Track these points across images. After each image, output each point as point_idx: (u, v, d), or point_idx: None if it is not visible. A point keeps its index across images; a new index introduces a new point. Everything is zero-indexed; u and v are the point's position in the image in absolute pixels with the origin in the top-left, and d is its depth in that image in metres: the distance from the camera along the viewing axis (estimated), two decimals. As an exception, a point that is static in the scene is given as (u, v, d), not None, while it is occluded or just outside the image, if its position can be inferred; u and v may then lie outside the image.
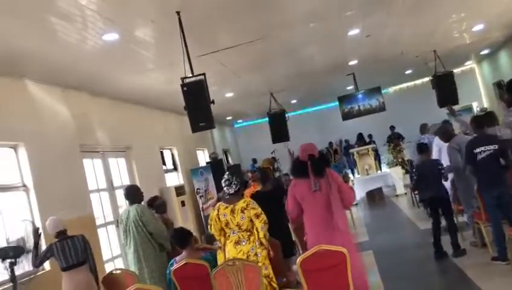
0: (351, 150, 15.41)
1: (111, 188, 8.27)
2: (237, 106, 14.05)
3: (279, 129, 11.58)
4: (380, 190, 13.35)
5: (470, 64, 17.03)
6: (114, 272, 5.16)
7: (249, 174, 6.06)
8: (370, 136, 17.16)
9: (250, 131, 18.47)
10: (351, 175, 16.06)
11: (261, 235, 4.46)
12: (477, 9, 8.79)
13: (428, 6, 7.79)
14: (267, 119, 11.80)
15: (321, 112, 18.24)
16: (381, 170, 15.84)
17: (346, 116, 13.55)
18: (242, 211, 4.49)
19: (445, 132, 6.40)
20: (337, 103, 13.75)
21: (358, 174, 14.55)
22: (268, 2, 5.98)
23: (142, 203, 5.81)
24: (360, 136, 17.01)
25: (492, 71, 15.97)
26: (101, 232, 7.46)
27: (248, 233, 4.50)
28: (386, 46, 10.10)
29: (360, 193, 13.43)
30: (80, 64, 6.46)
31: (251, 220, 4.48)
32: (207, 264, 4.48)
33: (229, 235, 4.55)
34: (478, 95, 17.23)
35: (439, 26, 9.63)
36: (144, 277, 5.39)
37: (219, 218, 4.54)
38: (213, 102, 5.29)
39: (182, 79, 5.44)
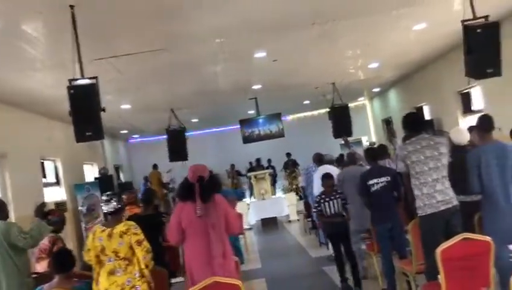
0: (249, 174, 15.37)
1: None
2: (134, 120, 13.30)
3: (177, 147, 11.10)
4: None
5: (362, 100, 18.11)
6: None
7: (124, 196, 5.33)
8: (269, 160, 17.33)
9: (147, 148, 17.65)
10: (247, 199, 15.99)
11: (143, 265, 3.92)
12: (374, 48, 9.26)
13: (329, 40, 7.99)
14: (165, 136, 11.27)
15: (222, 133, 18.08)
16: (275, 195, 15.97)
17: (247, 139, 13.51)
18: (121, 236, 3.92)
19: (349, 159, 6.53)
20: (238, 125, 13.66)
21: (255, 198, 14.50)
22: (173, 11, 5.62)
23: (8, 219, 4.97)
24: (258, 161, 17.07)
25: (382, 108, 17.11)
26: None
27: (126, 262, 3.93)
28: (290, 73, 10.23)
29: (254, 217, 13.35)
30: None
31: (131, 247, 3.94)
32: (77, 297, 3.86)
33: (104, 264, 3.96)
34: (368, 130, 18.31)
35: (338, 60, 9.99)
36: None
37: (95, 243, 3.96)
38: (103, 110, 4.72)
39: (70, 81, 4.81)
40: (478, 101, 10.43)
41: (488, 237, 3.39)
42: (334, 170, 7.37)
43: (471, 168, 4.18)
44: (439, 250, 3.29)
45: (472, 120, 10.60)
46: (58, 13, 4.79)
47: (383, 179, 5.16)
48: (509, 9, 7.29)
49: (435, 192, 4.10)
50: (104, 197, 4.09)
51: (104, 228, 3.99)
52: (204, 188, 3.84)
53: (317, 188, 7.37)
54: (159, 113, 11.32)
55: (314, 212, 5.83)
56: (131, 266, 3.93)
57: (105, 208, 4.06)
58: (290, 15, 6.38)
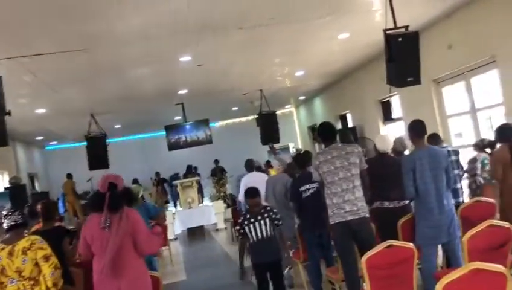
0: (174, 182, 14.94)
1: None
2: (51, 125, 12.47)
3: (98, 155, 10.49)
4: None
5: (289, 107, 18.39)
6: None
7: (39, 206, 4.84)
8: (195, 168, 16.98)
9: (65, 155, 16.64)
10: (172, 208, 15.56)
11: (50, 283, 3.49)
12: (300, 56, 9.36)
13: (257, 46, 7.96)
14: (85, 143, 10.61)
15: (146, 140, 17.49)
16: (203, 203, 15.68)
17: (173, 146, 13.11)
18: (24, 253, 3.48)
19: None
20: (164, 132, 13.24)
21: (181, 207, 14.10)
22: (94, 10, 5.26)
23: None
24: (189, 168, 16.62)
25: (308, 116, 17.47)
26: None
27: (31, 282, 3.49)
28: (217, 79, 10.07)
29: (180, 227, 12.95)
30: None
31: (37, 264, 3.51)
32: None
33: (6, 286, 3.49)
34: (294, 137, 18.60)
35: (266, 67, 10.00)
36: None
37: None
38: (9, 113, 4.27)
39: (-32, 80, 4.30)
40: (397, 109, 10.90)
41: (411, 243, 3.41)
42: (263, 178, 7.32)
43: (406, 173, 4.26)
44: (364, 259, 3.25)
45: (392, 128, 11.08)
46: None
47: (314, 185, 5.13)
48: (426, 20, 7.64)
49: (343, 202, 4.13)
50: (4, 212, 3.64)
51: (4, 245, 3.53)
52: (115, 197, 3.51)
53: (242, 195, 7.31)
54: (78, 118, 10.68)
55: (237, 236, 4.68)
56: (38, 286, 3.51)
57: (5, 223, 3.61)
58: (216, 19, 6.23)
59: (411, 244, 3.35)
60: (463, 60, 7.84)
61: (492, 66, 7.34)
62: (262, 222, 4.54)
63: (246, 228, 4.56)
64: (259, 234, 4.52)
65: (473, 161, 5.91)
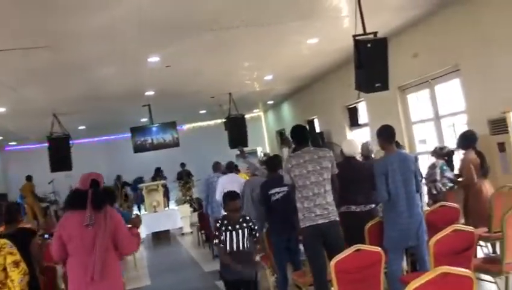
0: (140, 185, 14.66)
1: None
2: (10, 125, 12.01)
3: (60, 157, 10.15)
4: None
5: (257, 111, 18.41)
6: None
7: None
8: (161, 171, 16.71)
9: (26, 156, 16.05)
10: (136, 212, 15.25)
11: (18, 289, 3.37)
12: (269, 60, 9.37)
13: (227, 49, 7.91)
14: (47, 144, 10.25)
15: (111, 142, 17.12)
16: (169, 207, 15.45)
17: (138, 149, 12.86)
18: None
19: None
20: (129, 134, 12.97)
21: (146, 210, 13.84)
22: (58, 5, 5.07)
23: None
24: (157, 171, 16.30)
25: (276, 120, 17.53)
26: None
27: None
28: (185, 81, 9.94)
29: (145, 231, 12.69)
30: None
31: (5, 269, 3.37)
32: None
33: None
34: (262, 141, 18.63)
35: (235, 70, 9.96)
36: None
37: None
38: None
39: None
40: (364, 115, 11.07)
41: (379, 247, 3.43)
42: (240, 180, 7.31)
43: (379, 177, 4.30)
44: (332, 263, 3.24)
45: (358, 133, 11.24)
46: None
47: (284, 188, 5.10)
48: (393, 29, 7.78)
49: (314, 206, 4.13)
50: None
51: None
52: (98, 194, 3.42)
53: (219, 194, 7.29)
54: (40, 118, 10.30)
55: (215, 244, 4.28)
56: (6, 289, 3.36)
57: None
58: (185, 19, 6.14)
59: (379, 249, 3.37)
60: (428, 68, 8.04)
61: (455, 75, 7.54)
62: (240, 231, 4.16)
63: (224, 235, 4.17)
64: (234, 245, 4.11)
65: (432, 167, 6.04)
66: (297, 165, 4.19)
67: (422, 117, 8.77)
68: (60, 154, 10.14)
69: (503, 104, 6.24)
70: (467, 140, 5.30)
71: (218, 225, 4.22)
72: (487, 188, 5.05)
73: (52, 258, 3.70)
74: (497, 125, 6.22)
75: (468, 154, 5.16)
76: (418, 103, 8.89)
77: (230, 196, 4.28)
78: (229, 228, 4.17)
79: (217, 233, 4.19)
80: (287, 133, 15.43)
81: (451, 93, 7.93)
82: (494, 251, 4.98)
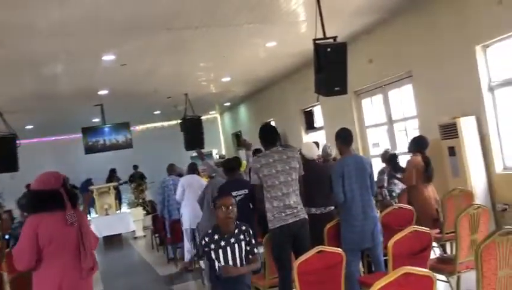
0: (91, 187, 14.18)
1: None
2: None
3: (6, 157, 9.61)
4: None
5: (214, 113, 18.30)
6: None
7: None
8: (116, 172, 16.23)
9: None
10: (88, 215, 14.73)
11: None
12: (226, 62, 9.33)
13: (184, 49, 7.81)
14: (-10, 144, 9.70)
15: (61, 142, 16.49)
16: (121, 210, 15.03)
17: (90, 149, 12.44)
18: None
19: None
20: (80, 134, 12.53)
21: (97, 213, 13.40)
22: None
23: None
24: (112, 172, 15.76)
25: (232, 122, 17.49)
26: None
27: None
28: (140, 80, 9.72)
29: (97, 235, 12.27)
30: None
31: None
32: None
33: None
34: (218, 143, 18.53)
35: (192, 71, 9.84)
36: None
37: None
38: None
39: None
40: (319, 119, 11.24)
41: (339, 248, 3.46)
42: (202, 182, 7.27)
43: (336, 179, 4.34)
44: (295, 264, 3.24)
45: (314, 136, 11.39)
46: None
47: (242, 191, 5.06)
48: (349, 34, 7.94)
49: (284, 206, 4.12)
50: None
51: None
52: (72, 192, 3.37)
53: (180, 195, 7.35)
54: (-16, 116, 9.75)
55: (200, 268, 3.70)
56: None
57: None
58: (143, 17, 5.99)
59: (340, 250, 3.40)
60: (382, 74, 8.27)
61: (408, 81, 7.80)
62: (236, 247, 3.43)
63: (213, 254, 3.38)
64: (231, 263, 3.42)
65: (381, 173, 6.20)
66: (267, 164, 4.17)
67: (376, 121, 9.00)
68: (5, 154, 9.61)
69: (453, 110, 6.51)
70: (416, 144, 5.47)
71: (204, 241, 3.46)
72: (429, 191, 5.23)
73: (15, 269, 3.36)
74: (448, 130, 6.46)
75: (413, 158, 5.33)
76: (372, 107, 9.12)
77: (224, 194, 3.71)
78: (222, 244, 3.45)
79: (205, 249, 3.44)
80: (244, 135, 15.45)
81: (404, 99, 8.20)
82: (445, 252, 5.16)
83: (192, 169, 7.85)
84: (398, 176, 6.02)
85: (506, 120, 6.24)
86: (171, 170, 8.91)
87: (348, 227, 4.34)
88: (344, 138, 4.53)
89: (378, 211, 5.06)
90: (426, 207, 5.15)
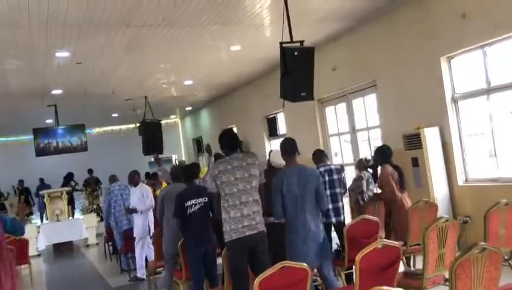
0: (41, 192, 13.45)
1: None
2: None
3: None
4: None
5: (174, 118, 17.89)
6: None
7: None
8: (66, 177, 15.48)
9: None
10: (38, 220, 13.99)
11: None
12: (188, 65, 9.04)
13: (144, 48, 7.50)
14: None
15: (10, 144, 15.65)
16: (73, 216, 14.33)
17: (41, 152, 11.80)
18: None
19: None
20: (31, 135, 11.87)
21: (47, 219, 12.70)
22: None
23: None
24: (69, 176, 14.96)
25: (193, 127, 17.14)
26: None
27: None
28: (97, 81, 9.26)
29: (45, 242, 11.60)
30: None
31: None
32: None
33: None
34: (178, 148, 18.11)
35: (152, 73, 9.49)
36: None
37: None
38: None
39: None
40: (282, 126, 11.10)
41: (304, 263, 3.24)
42: (149, 190, 7.00)
43: (275, 192, 4.07)
44: (256, 281, 2.99)
45: (277, 143, 11.23)
46: None
47: (201, 199, 4.77)
48: (314, 41, 7.80)
49: (241, 216, 3.87)
50: None
51: None
52: None
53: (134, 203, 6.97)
54: None
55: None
56: None
57: None
58: (100, 13, 5.63)
59: (305, 265, 3.18)
60: (346, 82, 8.20)
61: (372, 90, 7.75)
62: None
63: None
64: None
65: (358, 179, 6.07)
66: (225, 171, 3.90)
67: (340, 130, 8.92)
68: None
69: (416, 120, 6.47)
70: (384, 155, 5.34)
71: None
72: (407, 201, 5.12)
73: None
74: (411, 141, 6.41)
75: (385, 169, 5.19)
76: (335, 116, 9.04)
77: None
78: None
79: None
80: (205, 141, 15.12)
81: (367, 108, 8.14)
82: (409, 265, 5.05)
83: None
84: (371, 187, 5.92)
85: (469, 132, 6.26)
86: (113, 179, 8.55)
87: (291, 242, 4.06)
88: (287, 148, 4.27)
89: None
90: (407, 219, 4.98)
